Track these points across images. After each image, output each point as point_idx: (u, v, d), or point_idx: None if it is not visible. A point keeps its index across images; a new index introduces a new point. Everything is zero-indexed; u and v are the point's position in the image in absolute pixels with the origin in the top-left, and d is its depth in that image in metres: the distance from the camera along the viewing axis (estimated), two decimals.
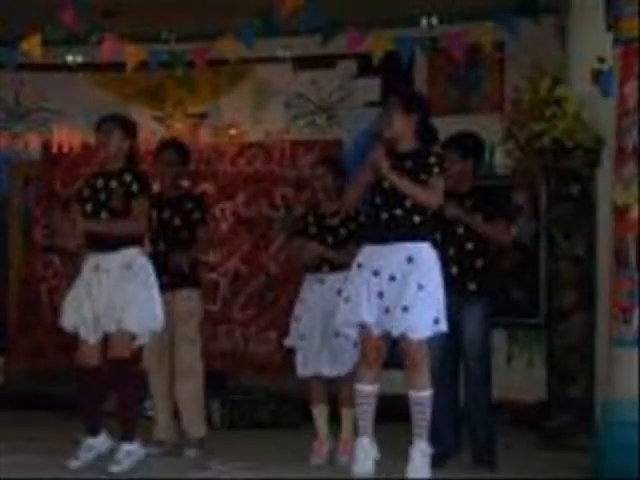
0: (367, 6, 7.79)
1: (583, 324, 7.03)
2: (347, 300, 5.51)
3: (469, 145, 6.34)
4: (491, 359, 6.33)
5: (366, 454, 5.42)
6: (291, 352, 6.59)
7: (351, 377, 6.00)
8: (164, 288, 6.21)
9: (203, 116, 9.26)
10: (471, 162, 6.31)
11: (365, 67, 8.53)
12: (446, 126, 6.36)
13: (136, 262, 5.93)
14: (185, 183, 7.28)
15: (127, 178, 5.98)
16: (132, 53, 7.85)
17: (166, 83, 9.17)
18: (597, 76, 6.10)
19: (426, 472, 5.41)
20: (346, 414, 6.36)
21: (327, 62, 8.89)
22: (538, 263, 8.34)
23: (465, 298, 6.13)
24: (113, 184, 5.99)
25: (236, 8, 7.56)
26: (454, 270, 6.09)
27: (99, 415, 6.02)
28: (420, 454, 5.41)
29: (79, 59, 8.82)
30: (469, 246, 6.18)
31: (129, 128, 6.15)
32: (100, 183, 6.04)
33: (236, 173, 8.76)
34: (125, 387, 5.95)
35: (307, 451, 6.41)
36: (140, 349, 6.33)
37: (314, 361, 6.35)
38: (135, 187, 5.95)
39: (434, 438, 5.53)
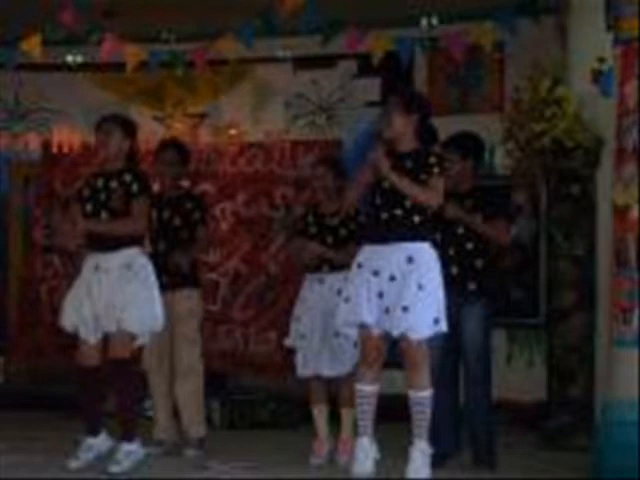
0: (367, 6, 7.79)
1: (583, 324, 7.02)
2: (347, 300, 5.51)
3: (469, 145, 6.34)
4: (491, 359, 6.33)
5: (366, 454, 5.42)
6: (291, 352, 6.59)
7: (351, 377, 6.00)
8: (164, 288, 6.21)
9: (203, 116, 9.25)
10: (471, 162, 6.31)
11: (365, 67, 8.51)
12: (446, 126, 6.36)
13: (136, 262, 5.93)
14: (185, 183, 7.29)
15: (127, 178, 5.98)
16: (132, 53, 7.86)
17: (166, 83, 9.16)
18: (597, 76, 6.10)
19: (426, 472, 5.41)
20: (346, 414, 6.36)
21: (327, 62, 8.87)
22: (538, 263, 8.33)
23: (465, 298, 6.13)
24: (113, 184, 5.98)
25: (236, 8, 7.56)
26: (454, 270, 6.09)
27: (99, 415, 6.02)
28: (420, 454, 5.41)
29: (79, 59, 8.81)
30: (469, 246, 6.19)
31: (129, 128, 6.14)
32: (100, 183, 6.04)
33: (236, 173, 8.75)
34: (125, 387, 5.94)
35: (307, 451, 6.40)
36: (140, 349, 6.32)
37: (314, 361, 6.34)
38: (135, 187, 5.95)
39: (434, 438, 5.53)
